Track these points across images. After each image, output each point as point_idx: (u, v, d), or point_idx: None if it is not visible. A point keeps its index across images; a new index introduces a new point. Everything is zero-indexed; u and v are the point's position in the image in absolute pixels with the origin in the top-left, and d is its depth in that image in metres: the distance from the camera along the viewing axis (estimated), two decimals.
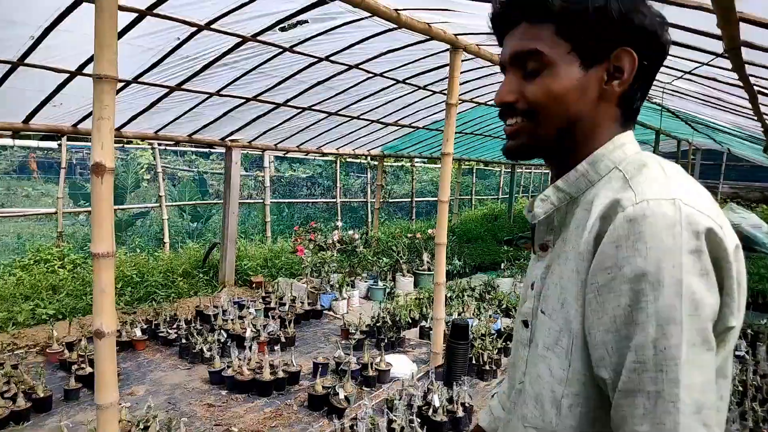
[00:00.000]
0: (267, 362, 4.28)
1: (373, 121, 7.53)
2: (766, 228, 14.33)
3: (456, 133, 9.24)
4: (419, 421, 3.54)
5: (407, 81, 6.12)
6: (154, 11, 3.74)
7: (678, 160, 15.66)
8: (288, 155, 10.24)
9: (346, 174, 12.50)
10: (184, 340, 4.91)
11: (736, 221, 14.70)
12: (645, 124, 11.15)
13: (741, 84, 2.97)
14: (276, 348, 4.76)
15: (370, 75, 5.69)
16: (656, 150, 12.70)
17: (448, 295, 6.98)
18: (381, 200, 10.63)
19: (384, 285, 7.16)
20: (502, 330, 5.66)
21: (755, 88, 3.02)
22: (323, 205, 12.58)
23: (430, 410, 3.77)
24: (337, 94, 6.16)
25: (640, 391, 0.70)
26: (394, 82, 6.05)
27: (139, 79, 4.73)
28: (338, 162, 11.73)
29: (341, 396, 3.85)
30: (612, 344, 0.73)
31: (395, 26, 4.15)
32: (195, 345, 4.79)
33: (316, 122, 7.06)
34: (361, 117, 7.24)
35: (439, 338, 4.86)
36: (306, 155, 9.52)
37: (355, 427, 3.33)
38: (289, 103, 6.10)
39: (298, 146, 7.84)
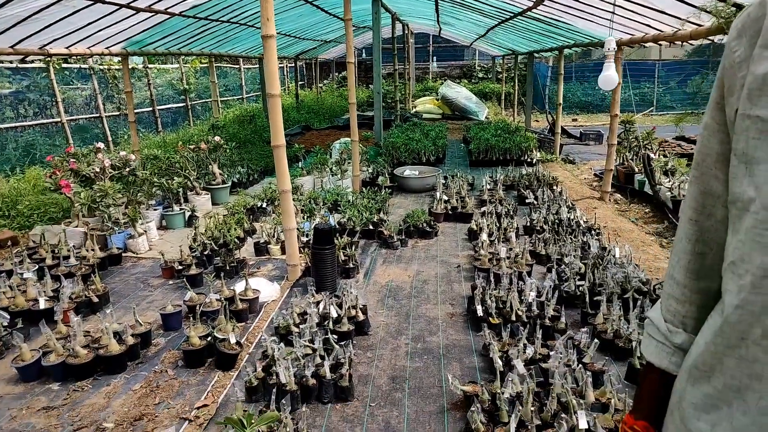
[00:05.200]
0: (106, 330, 3.26)
1: (121, 6, 5.82)
2: (475, 99, 17.09)
3: (199, 18, 7.89)
4: (336, 337, 3.24)
5: None
6: None
7: (405, 44, 16.99)
8: None
9: (65, 83, 9.79)
10: None
11: (453, 96, 17.15)
12: (387, 7, 11.56)
13: None
14: (86, 311, 3.88)
15: None
16: (375, 27, 13.45)
17: (259, 205, 6.42)
18: (124, 112, 8.75)
19: (181, 209, 6.12)
20: (337, 227, 5.52)
21: None
22: (38, 129, 9.76)
23: (330, 323, 3.49)
24: None
25: None
26: None
27: None
28: (51, 69, 9.11)
29: (233, 341, 3.22)
30: None
31: None
32: None
33: (39, 11, 5.12)
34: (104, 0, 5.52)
35: (295, 249, 4.45)
36: (13, 63, 7.00)
37: (273, 371, 2.85)
38: None
39: (12, 47, 5.63)
